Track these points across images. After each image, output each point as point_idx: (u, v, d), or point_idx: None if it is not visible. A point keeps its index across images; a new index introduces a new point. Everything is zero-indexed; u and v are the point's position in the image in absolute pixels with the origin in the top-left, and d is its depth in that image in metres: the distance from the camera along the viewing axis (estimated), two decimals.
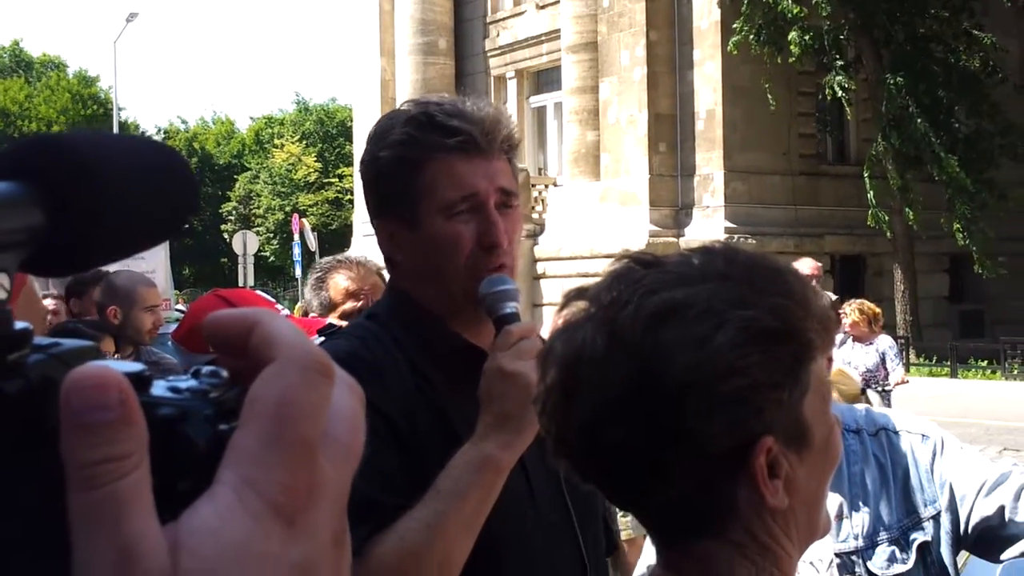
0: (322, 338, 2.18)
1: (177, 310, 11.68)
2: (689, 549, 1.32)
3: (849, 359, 10.50)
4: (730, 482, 1.26)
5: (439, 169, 1.95)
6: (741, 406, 1.22)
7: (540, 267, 27.92)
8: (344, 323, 3.92)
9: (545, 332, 5.10)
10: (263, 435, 0.50)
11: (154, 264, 10.86)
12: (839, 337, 10.59)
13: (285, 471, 0.50)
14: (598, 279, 1.36)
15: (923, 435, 2.89)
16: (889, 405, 10.49)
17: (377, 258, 2.78)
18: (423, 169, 1.96)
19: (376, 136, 2.04)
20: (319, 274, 4.15)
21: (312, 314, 4.15)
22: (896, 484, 2.84)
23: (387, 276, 2.36)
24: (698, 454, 1.23)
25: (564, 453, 1.33)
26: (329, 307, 4.02)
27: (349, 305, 4.00)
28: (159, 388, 0.53)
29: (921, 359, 25.11)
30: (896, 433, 2.89)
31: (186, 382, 0.54)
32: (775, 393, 1.24)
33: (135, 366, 0.53)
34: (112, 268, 9.80)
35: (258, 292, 7.73)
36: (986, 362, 24.88)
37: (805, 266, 9.57)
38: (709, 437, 1.22)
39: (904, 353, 24.08)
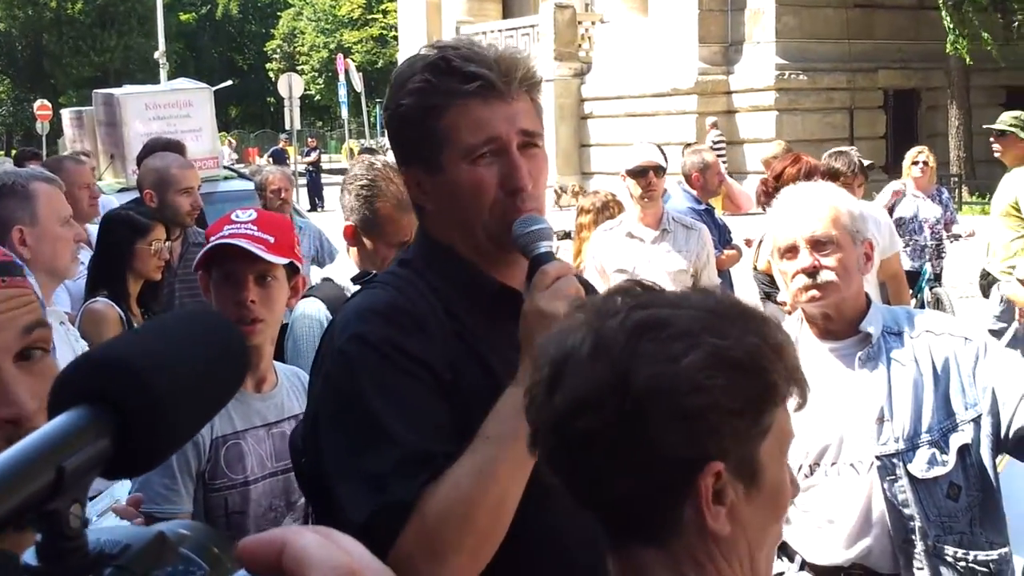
0: (357, 287, 2.17)
1: (226, 168, 11.64)
2: (631, 557, 1.42)
3: (925, 216, 10.05)
4: (679, 496, 1.35)
5: (458, 115, 1.93)
6: (699, 422, 1.32)
7: (587, 107, 27.63)
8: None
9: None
10: None
11: (200, 122, 10.73)
12: (904, 200, 10.15)
13: None
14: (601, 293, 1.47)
15: (966, 338, 2.90)
16: (942, 257, 10.28)
17: None
18: (443, 116, 1.95)
19: (397, 84, 2.02)
20: (367, 188, 3.75)
21: (349, 220, 3.81)
22: (937, 387, 2.86)
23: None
24: (653, 458, 1.32)
25: (540, 443, 1.43)
26: (375, 226, 3.75)
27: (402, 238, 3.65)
28: None
29: (974, 197, 24.76)
30: (939, 336, 2.90)
31: None
32: (734, 420, 1.34)
33: None
34: (151, 132, 9.81)
35: (291, 215, 7.41)
36: None
37: None
38: (665, 444, 1.31)
39: (957, 191, 23.73)
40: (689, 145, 11.01)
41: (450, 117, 1.94)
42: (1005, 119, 8.79)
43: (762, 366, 1.36)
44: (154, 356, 0.63)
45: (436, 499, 1.75)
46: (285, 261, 2.97)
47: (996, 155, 8.92)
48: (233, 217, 3.03)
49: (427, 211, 2.06)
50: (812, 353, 2.97)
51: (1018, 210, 8.38)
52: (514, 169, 1.94)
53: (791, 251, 2.94)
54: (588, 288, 2.17)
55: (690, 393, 1.31)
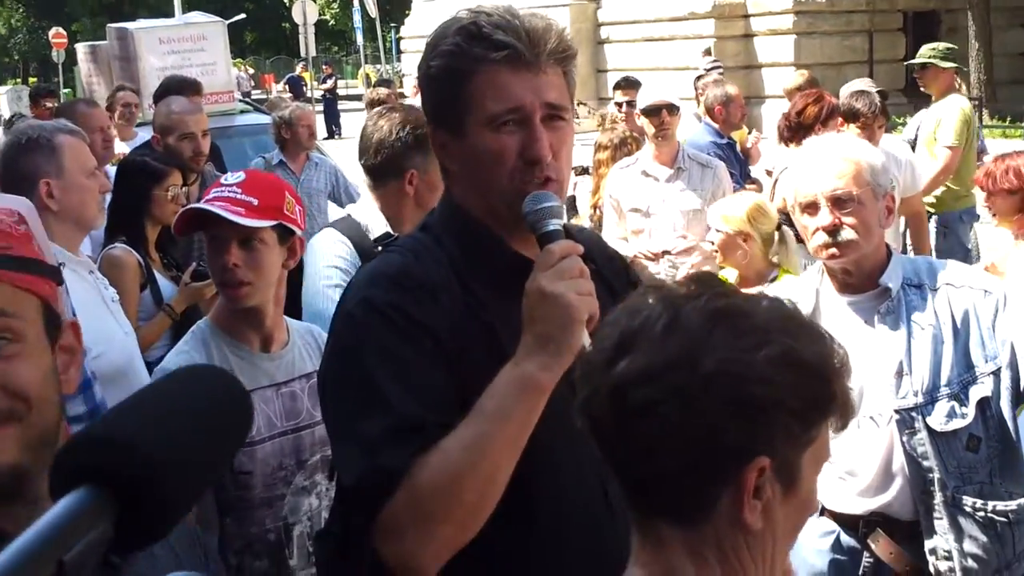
0: (379, 248, 2.17)
1: (242, 99, 11.59)
2: (655, 532, 1.43)
3: None
4: (721, 482, 1.36)
5: (485, 81, 1.94)
6: (759, 414, 1.33)
7: (604, 32, 27.31)
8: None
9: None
10: None
11: (214, 56, 10.67)
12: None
13: None
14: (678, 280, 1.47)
15: (985, 291, 2.90)
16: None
17: None
18: (470, 81, 1.95)
19: (430, 45, 2.03)
20: (416, 127, 3.58)
21: (410, 170, 3.59)
22: (957, 340, 2.86)
23: None
24: (706, 441, 1.33)
25: (588, 410, 1.43)
26: (431, 153, 3.65)
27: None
28: None
29: (995, 120, 24.43)
30: (958, 288, 2.90)
31: None
32: (790, 421, 1.35)
33: None
34: (166, 67, 9.78)
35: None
36: None
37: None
38: (722, 429, 1.33)
39: (978, 115, 23.41)
40: (700, 77, 10.83)
41: (476, 83, 1.94)
42: (924, 52, 8.85)
43: (827, 375, 1.38)
44: (153, 431, 0.62)
45: (426, 469, 1.76)
46: (266, 224, 2.90)
47: (922, 89, 8.94)
48: (222, 180, 3.02)
49: (451, 172, 2.07)
50: (832, 306, 2.97)
51: (936, 142, 8.32)
52: (534, 140, 1.93)
53: (811, 207, 2.92)
54: (605, 260, 2.16)
55: (758, 384, 1.33)
